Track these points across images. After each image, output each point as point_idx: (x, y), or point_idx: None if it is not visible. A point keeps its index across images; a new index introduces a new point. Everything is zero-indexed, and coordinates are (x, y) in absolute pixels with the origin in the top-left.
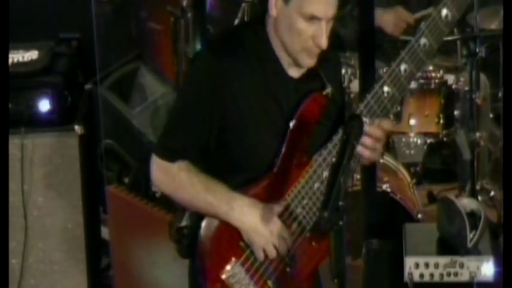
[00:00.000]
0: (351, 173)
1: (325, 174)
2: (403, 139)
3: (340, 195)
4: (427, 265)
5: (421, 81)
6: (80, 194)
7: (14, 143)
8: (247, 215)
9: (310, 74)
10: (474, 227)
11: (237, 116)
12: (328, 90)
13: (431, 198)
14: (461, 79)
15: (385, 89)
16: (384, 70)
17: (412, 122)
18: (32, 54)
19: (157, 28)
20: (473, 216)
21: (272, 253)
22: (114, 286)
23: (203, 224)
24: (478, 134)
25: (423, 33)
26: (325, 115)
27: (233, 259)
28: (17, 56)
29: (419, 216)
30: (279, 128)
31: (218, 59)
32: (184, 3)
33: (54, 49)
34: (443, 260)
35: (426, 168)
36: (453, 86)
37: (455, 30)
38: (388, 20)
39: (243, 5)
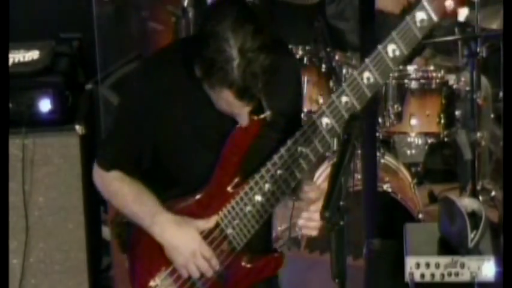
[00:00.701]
0: (352, 173)
1: (257, 198)
2: (404, 139)
3: (341, 195)
4: (428, 265)
5: (422, 81)
6: (81, 194)
7: (15, 143)
8: (169, 232)
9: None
10: (475, 227)
11: (170, 135)
12: (266, 114)
13: (432, 198)
14: (462, 79)
15: (324, 120)
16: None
17: (413, 122)
18: (33, 54)
19: (158, 28)
20: (474, 216)
21: (194, 272)
22: (115, 286)
23: (134, 231)
24: (479, 134)
25: (367, 67)
26: (261, 138)
27: (162, 268)
28: (17, 56)
29: (420, 216)
30: (213, 146)
31: (153, 78)
32: (185, 3)
33: (55, 49)
34: (444, 260)
35: (427, 168)
36: (454, 86)
37: (456, 30)
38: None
39: None
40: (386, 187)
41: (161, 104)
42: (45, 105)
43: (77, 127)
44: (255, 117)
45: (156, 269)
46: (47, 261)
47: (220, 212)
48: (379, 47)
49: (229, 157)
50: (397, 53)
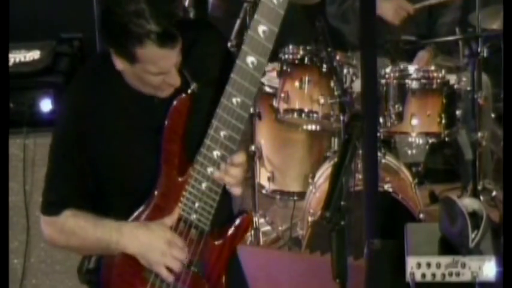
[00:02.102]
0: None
1: (210, 170)
2: (405, 139)
3: (341, 195)
4: (428, 265)
5: (423, 81)
6: None
7: (16, 143)
8: (139, 236)
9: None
10: (476, 227)
11: (106, 150)
12: (193, 86)
13: (433, 198)
14: (463, 79)
15: (249, 59)
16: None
17: (414, 122)
18: (34, 54)
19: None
20: (475, 216)
21: (174, 265)
22: None
23: (103, 262)
24: (480, 134)
25: (247, 53)
26: (195, 113)
27: None
28: (18, 56)
29: (421, 216)
30: (153, 146)
31: (76, 102)
32: (186, 3)
33: (56, 49)
34: (445, 260)
35: (428, 168)
36: (455, 86)
37: (457, 30)
38: (387, 8)
39: (245, 5)
40: (387, 187)
41: (91, 122)
42: (46, 105)
43: None
44: (183, 95)
45: None
46: (47, 261)
47: (179, 204)
48: (249, 31)
49: (170, 147)
50: (267, 32)
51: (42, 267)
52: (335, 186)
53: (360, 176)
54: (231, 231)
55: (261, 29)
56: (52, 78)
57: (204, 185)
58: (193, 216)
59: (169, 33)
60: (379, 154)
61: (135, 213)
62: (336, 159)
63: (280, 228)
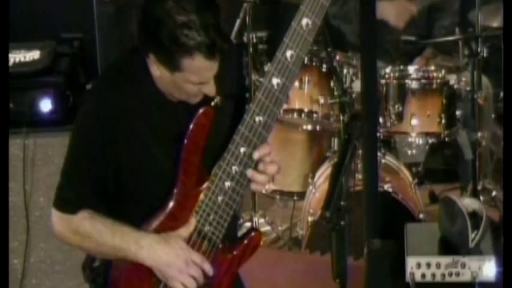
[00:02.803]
0: (353, 173)
1: (227, 184)
2: (405, 139)
3: (342, 195)
4: (428, 265)
5: (423, 81)
6: None
7: (16, 143)
8: (158, 251)
9: None
10: (476, 227)
11: (129, 154)
12: (216, 100)
13: (433, 198)
14: (463, 79)
15: (275, 81)
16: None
17: (414, 122)
18: (34, 54)
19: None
20: (475, 216)
21: (190, 284)
22: None
23: (114, 262)
24: (479, 134)
25: (287, 46)
26: (216, 126)
27: None
28: (18, 56)
29: (421, 216)
30: (173, 154)
31: (103, 102)
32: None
33: (56, 49)
34: (445, 260)
35: (428, 168)
36: (455, 86)
37: (456, 30)
38: (390, 11)
39: (245, 5)
40: (387, 187)
41: (115, 124)
42: (46, 105)
43: None
44: (207, 107)
45: None
46: (47, 261)
47: (194, 213)
48: (293, 23)
49: (190, 158)
50: (310, 25)
51: (42, 267)
52: (335, 186)
53: (360, 176)
54: (241, 247)
55: (289, 53)
56: (52, 78)
57: (220, 198)
58: (207, 228)
59: (218, 46)
60: (379, 154)
61: (151, 220)
62: (335, 159)
63: (280, 228)
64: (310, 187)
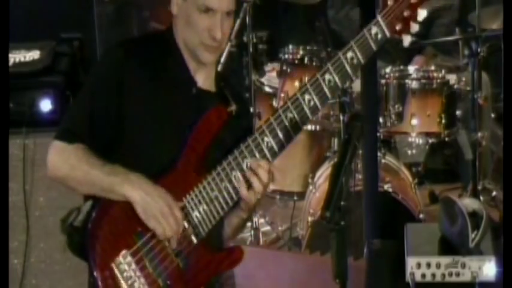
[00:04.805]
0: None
1: (225, 184)
2: (405, 139)
3: (342, 195)
4: (428, 265)
5: (423, 81)
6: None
7: (16, 143)
8: (144, 187)
9: (216, 87)
10: (476, 227)
11: (135, 112)
12: (233, 108)
13: (433, 198)
14: (463, 79)
15: (307, 96)
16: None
17: (414, 122)
18: (34, 54)
19: (159, 28)
20: (475, 216)
21: (169, 230)
22: None
23: (96, 212)
24: (479, 134)
25: (351, 48)
26: (226, 130)
27: (124, 250)
28: (18, 56)
29: (421, 216)
30: (177, 130)
31: (126, 55)
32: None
33: (56, 49)
34: (445, 260)
35: (428, 168)
36: (455, 86)
37: (456, 30)
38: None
39: (245, 5)
40: (387, 187)
41: (132, 79)
42: (45, 105)
43: None
44: (222, 107)
45: (117, 250)
46: (47, 261)
47: (187, 195)
48: (340, 53)
49: (194, 145)
50: (355, 61)
51: (42, 267)
52: (335, 186)
53: (360, 176)
54: (223, 254)
55: (327, 77)
56: (52, 78)
57: (213, 194)
58: (196, 214)
59: None
60: (379, 154)
61: None
62: (335, 159)
63: (280, 228)
64: (310, 187)
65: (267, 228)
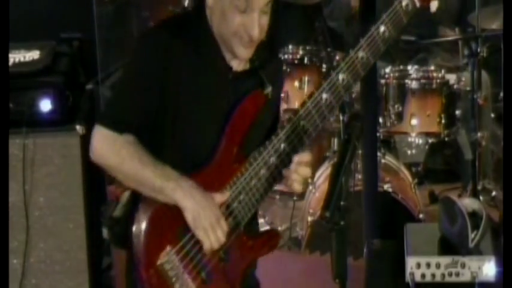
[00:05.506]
0: (352, 172)
1: (262, 172)
2: (405, 139)
3: (341, 195)
4: (428, 265)
5: (423, 81)
6: (82, 194)
7: (16, 143)
8: (196, 196)
9: (251, 71)
10: (476, 227)
11: (178, 100)
12: (269, 90)
13: (433, 198)
14: (463, 79)
15: (341, 76)
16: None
17: (414, 122)
18: (34, 54)
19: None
20: (474, 216)
21: (214, 242)
22: (115, 286)
23: (139, 209)
24: (479, 134)
25: (383, 22)
26: (263, 114)
27: (168, 247)
28: (18, 56)
29: (421, 216)
30: (216, 118)
31: (166, 38)
32: (186, 3)
33: (56, 49)
34: (444, 260)
35: (428, 168)
36: (455, 86)
37: (456, 30)
38: None
39: None
40: (386, 187)
41: (175, 65)
42: (45, 105)
43: (78, 127)
44: (259, 92)
45: (161, 248)
46: (47, 261)
47: (229, 188)
48: (372, 28)
49: (232, 133)
50: (386, 34)
51: (42, 267)
52: (335, 186)
53: (359, 176)
54: (261, 240)
55: (360, 54)
56: (52, 78)
57: (253, 182)
58: (235, 205)
59: None
60: (378, 154)
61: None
62: (335, 159)
63: (279, 228)
64: (310, 187)
65: (267, 228)
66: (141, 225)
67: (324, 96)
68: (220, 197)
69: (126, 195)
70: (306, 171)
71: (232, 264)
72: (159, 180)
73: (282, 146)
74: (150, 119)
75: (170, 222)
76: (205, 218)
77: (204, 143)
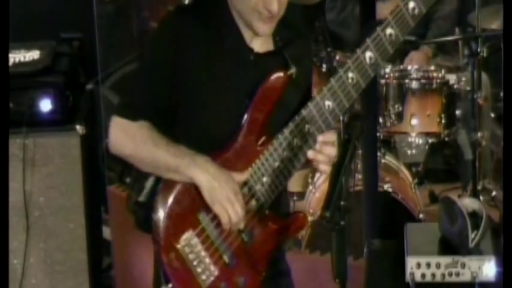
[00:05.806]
0: (352, 172)
1: (286, 153)
2: (405, 139)
3: (342, 195)
4: (428, 265)
5: (423, 81)
6: (82, 194)
7: (16, 143)
8: (211, 171)
9: (274, 52)
10: (476, 227)
11: (194, 84)
12: (292, 71)
13: (433, 198)
14: (463, 79)
15: (350, 75)
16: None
17: (414, 122)
18: (34, 54)
19: None
20: (474, 216)
21: (234, 216)
22: (115, 286)
23: (160, 193)
24: (479, 134)
25: (389, 24)
26: (286, 95)
27: (189, 230)
28: (18, 56)
29: (421, 216)
30: (236, 100)
31: (183, 24)
32: (186, 2)
33: (56, 49)
34: (444, 260)
35: (428, 168)
36: (455, 86)
37: (456, 30)
38: (388, 10)
39: None
40: (387, 187)
41: (190, 49)
42: (45, 105)
43: (78, 127)
44: (282, 72)
45: (182, 231)
46: (47, 261)
47: (250, 169)
48: (378, 29)
49: (256, 115)
50: (416, 11)
51: (42, 267)
52: (335, 186)
53: (359, 176)
54: (287, 221)
55: (368, 55)
56: (52, 78)
57: (276, 165)
58: (258, 187)
59: None
60: (378, 154)
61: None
62: (335, 159)
63: None
64: (310, 187)
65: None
66: (160, 209)
67: (350, 75)
68: (239, 176)
69: (150, 181)
70: (331, 150)
71: (256, 247)
72: (173, 159)
73: (306, 126)
74: (166, 105)
75: (190, 205)
76: (221, 191)
77: (225, 126)
